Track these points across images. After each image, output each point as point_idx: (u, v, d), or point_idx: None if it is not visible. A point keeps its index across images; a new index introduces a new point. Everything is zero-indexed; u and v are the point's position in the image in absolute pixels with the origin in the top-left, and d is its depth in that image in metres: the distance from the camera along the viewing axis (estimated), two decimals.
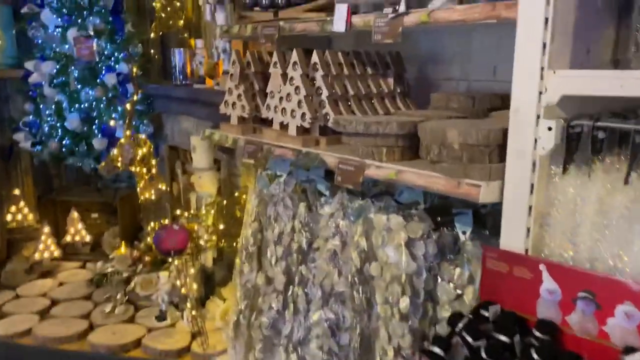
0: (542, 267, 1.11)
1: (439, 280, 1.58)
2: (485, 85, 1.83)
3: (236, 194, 2.41)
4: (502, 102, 1.72)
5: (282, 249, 2.01)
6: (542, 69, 1.09)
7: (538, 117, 1.11)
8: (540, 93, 1.10)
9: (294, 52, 1.65)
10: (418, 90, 1.94)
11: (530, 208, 1.15)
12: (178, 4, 3.19)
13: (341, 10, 1.49)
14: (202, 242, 2.27)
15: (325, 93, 1.64)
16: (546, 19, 1.07)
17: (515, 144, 1.14)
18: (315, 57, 1.65)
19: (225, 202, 2.36)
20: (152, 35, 3.21)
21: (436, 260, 1.56)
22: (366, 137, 1.40)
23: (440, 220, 1.54)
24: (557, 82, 1.08)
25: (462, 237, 1.52)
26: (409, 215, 1.58)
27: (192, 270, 2.22)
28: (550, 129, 1.09)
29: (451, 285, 1.55)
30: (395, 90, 1.84)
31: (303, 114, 1.64)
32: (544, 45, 1.08)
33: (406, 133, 1.38)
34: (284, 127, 1.81)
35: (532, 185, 1.14)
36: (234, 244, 2.33)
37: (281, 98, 1.80)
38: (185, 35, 3.29)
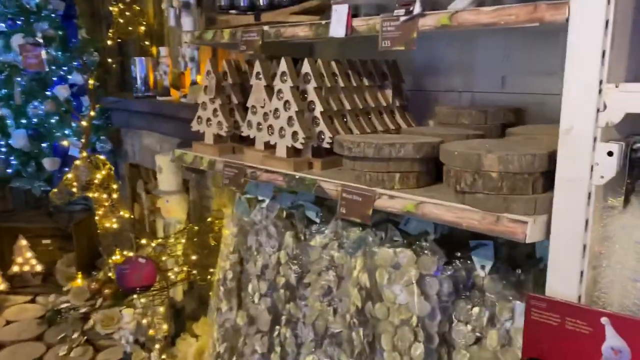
0: (604, 320, 0.92)
1: (454, 321, 1.38)
2: (492, 98, 1.65)
3: (209, 219, 2.15)
4: (516, 116, 1.54)
5: (266, 284, 1.77)
6: (601, 82, 0.90)
7: (595, 139, 0.92)
8: (598, 111, 0.91)
9: (283, 61, 1.42)
10: (414, 103, 1.75)
11: (584, 247, 0.96)
12: (137, 8, 2.91)
13: (340, 12, 1.27)
14: (171, 276, 2.01)
15: (319, 108, 1.42)
16: (606, 22, 0.89)
17: (567, 171, 0.95)
18: (306, 67, 1.43)
19: (196, 228, 2.10)
20: (109, 42, 2.92)
21: (451, 298, 1.36)
22: (376, 162, 1.18)
23: (456, 253, 1.35)
24: (621, 98, 0.89)
25: (481, 273, 1.33)
26: (420, 248, 1.37)
27: (161, 309, 1.96)
28: (611, 153, 0.91)
29: (469, 327, 1.35)
30: (393, 104, 1.63)
31: (294, 133, 1.41)
32: (603, 54, 0.90)
33: (422, 157, 1.17)
34: (268, 146, 1.58)
35: (586, 221, 0.95)
36: (208, 277, 2.07)
37: (266, 114, 1.56)
38: (147, 42, 3.01)
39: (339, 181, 1.26)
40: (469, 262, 1.36)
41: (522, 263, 1.35)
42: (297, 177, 1.36)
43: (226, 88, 1.71)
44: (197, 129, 1.75)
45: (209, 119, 1.71)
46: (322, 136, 1.42)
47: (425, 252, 1.36)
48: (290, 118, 1.42)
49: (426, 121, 1.77)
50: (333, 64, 1.50)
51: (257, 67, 1.56)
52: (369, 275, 1.44)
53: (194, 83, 2.45)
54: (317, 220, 1.67)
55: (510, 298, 1.28)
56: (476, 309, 1.34)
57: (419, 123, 1.70)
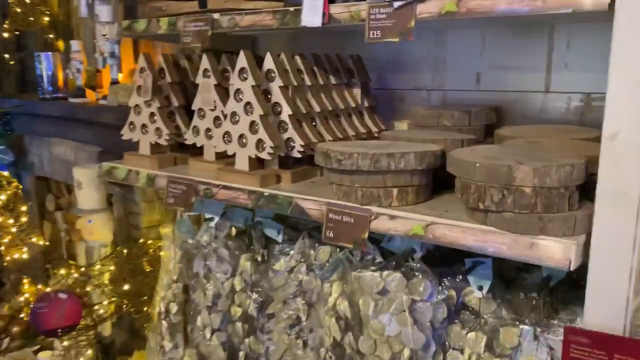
0: None
1: (448, 349, 1.22)
2: (465, 96, 1.51)
3: (141, 240, 1.85)
4: (497, 116, 1.41)
5: (219, 316, 1.53)
6: None
7: None
8: None
9: (242, 55, 1.18)
10: (377, 103, 1.57)
11: (631, 271, 0.82)
12: None
13: None
14: (100, 310, 1.69)
15: (286, 111, 1.20)
16: None
17: (611, 184, 0.80)
18: (269, 63, 1.20)
19: (126, 252, 1.80)
20: (5, 35, 2.48)
21: (444, 324, 1.20)
22: (370, 175, 0.99)
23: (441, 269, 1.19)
24: None
25: (477, 293, 1.17)
26: (410, 270, 1.20)
27: (89, 351, 1.64)
28: None
29: (466, 355, 1.20)
30: (362, 105, 1.45)
31: (259, 141, 1.17)
32: None
33: (424, 168, 0.99)
34: (220, 157, 1.34)
35: (634, 241, 0.81)
36: (145, 308, 1.78)
37: (217, 118, 1.32)
38: (51, 35, 2.61)
39: (322, 199, 1.05)
40: (457, 280, 1.20)
41: (513, 276, 1.22)
42: (266, 194, 1.13)
43: (164, 88, 1.43)
44: (130, 137, 1.46)
45: (144, 126, 1.43)
46: (292, 144, 1.20)
47: (416, 274, 1.19)
48: (253, 123, 1.18)
49: (391, 123, 1.60)
50: (298, 59, 1.28)
51: (205, 62, 1.31)
52: (350, 302, 1.25)
53: (114, 82, 2.12)
54: (280, 240, 1.45)
55: (517, 323, 1.13)
56: (472, 334, 1.18)
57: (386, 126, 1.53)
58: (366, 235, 0.98)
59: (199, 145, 1.37)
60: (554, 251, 0.81)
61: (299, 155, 1.20)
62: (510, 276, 1.21)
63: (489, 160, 0.86)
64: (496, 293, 1.15)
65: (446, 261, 1.23)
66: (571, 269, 0.80)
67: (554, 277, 1.12)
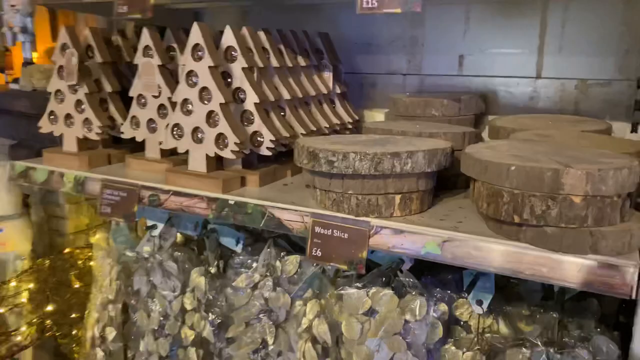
0: None
1: None
2: (446, 83, 1.34)
3: (67, 250, 1.56)
4: (486, 105, 1.26)
5: (167, 341, 1.29)
6: None
7: None
8: None
9: (195, 28, 0.94)
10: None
11: None
12: None
13: None
14: (17, 337, 1.40)
15: (251, 98, 0.98)
16: None
17: None
18: (229, 38, 0.97)
19: (48, 264, 1.51)
20: None
21: (438, 346, 1.04)
22: (368, 180, 0.79)
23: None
24: None
25: (477, 309, 1.02)
26: (401, 287, 1.03)
27: None
28: None
29: None
30: (334, 91, 1.25)
31: (220, 136, 0.95)
32: None
33: (432, 170, 0.81)
34: (166, 154, 1.10)
35: None
36: (73, 331, 1.50)
37: (162, 107, 1.08)
38: None
39: (305, 208, 0.84)
40: (449, 290, 1.05)
41: (504, 283, 1.08)
42: (231, 202, 0.91)
43: (93, 69, 1.16)
44: (50, 130, 1.18)
45: (69, 116, 1.15)
46: (260, 138, 0.99)
47: (408, 289, 1.02)
48: (211, 114, 0.95)
49: (360, 112, 1.42)
50: (262, 35, 1.06)
51: (146, 38, 1.06)
52: (330, 324, 1.06)
53: (28, 63, 1.79)
54: (239, 250, 1.23)
55: (526, 344, 0.99)
56: (468, 355, 1.03)
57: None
58: (365, 254, 0.79)
59: (139, 139, 1.12)
60: (610, 275, 0.66)
61: (268, 153, 0.98)
62: (500, 283, 1.07)
63: (524, 161, 0.70)
64: (494, 305, 1.01)
65: (432, 269, 1.07)
66: (633, 297, 0.65)
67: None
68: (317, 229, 0.82)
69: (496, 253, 0.71)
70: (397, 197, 0.80)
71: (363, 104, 1.43)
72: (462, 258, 0.73)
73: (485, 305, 1.02)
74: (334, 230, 0.80)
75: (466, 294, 1.00)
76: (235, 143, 0.93)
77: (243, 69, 0.98)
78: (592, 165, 0.67)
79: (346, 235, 0.80)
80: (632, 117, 1.16)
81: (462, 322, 1.03)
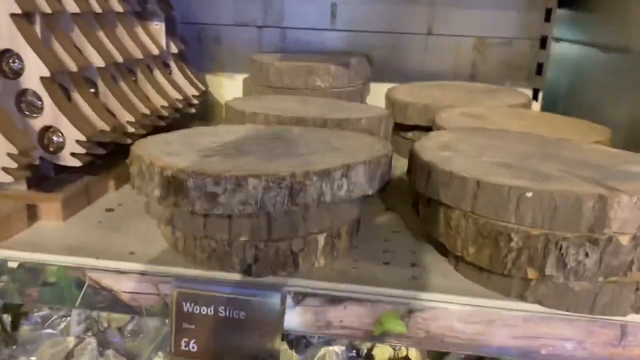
0: None
1: None
2: (314, 39, 1.04)
3: None
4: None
5: None
6: None
7: None
8: None
9: None
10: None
11: None
12: None
13: None
14: None
15: (35, 67, 0.55)
16: None
17: None
18: None
19: None
20: None
21: None
22: (276, 218, 0.46)
23: None
24: None
25: None
26: None
27: None
28: None
29: None
30: (168, 50, 0.85)
31: None
32: None
33: (374, 191, 0.50)
34: None
35: None
36: None
37: None
38: None
39: (160, 267, 0.48)
40: None
41: None
42: (12, 266, 0.49)
43: None
44: None
45: None
46: (57, 138, 0.57)
47: None
48: None
49: (202, 76, 1.04)
50: None
51: None
52: None
53: None
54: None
55: None
56: None
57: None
58: (277, 344, 0.46)
59: None
60: None
61: (75, 163, 0.58)
62: None
63: (536, 180, 0.43)
64: None
65: None
66: None
67: None
68: (187, 307, 0.46)
69: (495, 327, 0.45)
70: (321, 238, 0.49)
71: (204, 67, 1.05)
72: (441, 339, 0.45)
73: None
74: (219, 307, 0.46)
75: None
76: (9, 154, 0.51)
77: (12, 16, 0.54)
78: (621, 183, 0.43)
79: (242, 315, 0.46)
80: (533, 82, 1.00)
81: None
